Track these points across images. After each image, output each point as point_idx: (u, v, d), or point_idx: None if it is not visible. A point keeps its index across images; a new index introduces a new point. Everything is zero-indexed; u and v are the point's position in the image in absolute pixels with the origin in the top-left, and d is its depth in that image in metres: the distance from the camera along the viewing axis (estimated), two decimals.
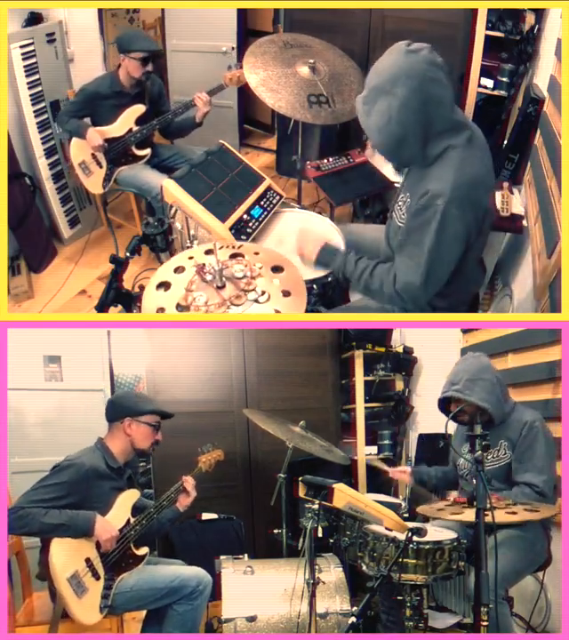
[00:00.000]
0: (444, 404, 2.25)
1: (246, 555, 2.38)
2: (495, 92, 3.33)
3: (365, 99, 1.86)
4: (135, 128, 3.49)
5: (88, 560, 1.98)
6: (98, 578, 2.00)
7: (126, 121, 3.47)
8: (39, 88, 3.55)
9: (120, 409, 2.22)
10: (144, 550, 2.16)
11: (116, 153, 3.47)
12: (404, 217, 2.02)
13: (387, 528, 1.79)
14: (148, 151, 3.58)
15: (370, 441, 3.51)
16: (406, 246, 1.96)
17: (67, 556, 1.94)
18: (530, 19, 3.05)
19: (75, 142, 3.48)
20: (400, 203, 2.09)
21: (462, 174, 1.82)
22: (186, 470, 2.48)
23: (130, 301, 2.27)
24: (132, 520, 2.13)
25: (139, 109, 3.48)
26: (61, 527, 1.93)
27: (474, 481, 1.65)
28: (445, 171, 1.83)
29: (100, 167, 3.50)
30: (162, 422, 2.33)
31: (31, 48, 3.44)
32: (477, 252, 2.08)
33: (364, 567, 2.05)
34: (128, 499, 2.16)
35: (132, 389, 4.32)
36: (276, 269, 1.96)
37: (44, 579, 2.00)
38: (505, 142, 3.16)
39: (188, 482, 2.33)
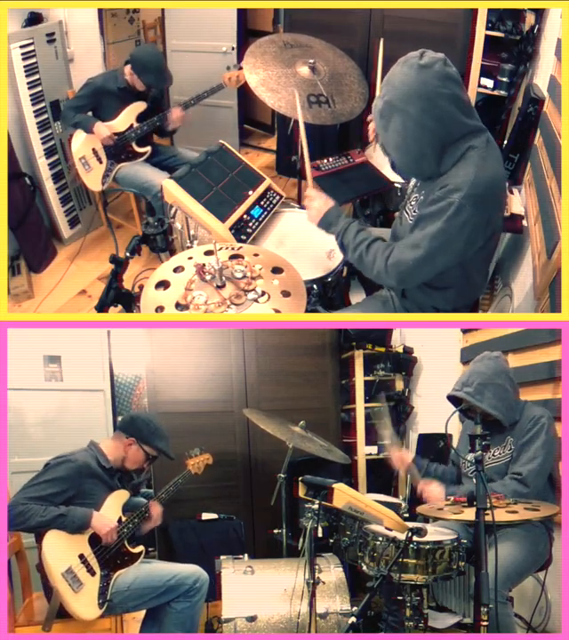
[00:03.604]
0: (455, 398, 2.25)
1: (246, 555, 2.37)
2: (495, 92, 3.33)
3: (381, 112, 1.86)
4: (136, 124, 3.52)
5: (82, 556, 2.00)
6: (93, 574, 2.01)
7: (128, 117, 3.50)
8: (39, 88, 3.55)
9: (134, 429, 2.28)
10: (139, 548, 2.19)
11: (117, 148, 3.49)
12: (417, 213, 2.00)
13: (387, 528, 1.79)
14: (148, 149, 3.60)
15: (370, 441, 3.51)
16: (412, 230, 1.95)
17: (60, 551, 1.96)
18: (530, 19, 3.05)
19: (77, 137, 3.49)
20: (413, 203, 2.08)
21: (482, 173, 1.81)
22: (184, 470, 2.51)
23: (130, 301, 2.27)
24: (123, 518, 2.16)
25: (140, 106, 3.53)
26: (59, 518, 1.95)
27: (473, 480, 1.66)
28: (466, 168, 1.83)
29: (101, 163, 3.51)
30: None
31: (31, 48, 3.44)
32: (489, 254, 2.08)
33: (364, 567, 2.05)
34: (118, 498, 2.19)
35: (130, 395, 4.34)
36: (276, 271, 1.96)
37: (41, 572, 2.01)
38: (505, 142, 3.16)
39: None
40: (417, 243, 1.90)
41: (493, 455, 2.16)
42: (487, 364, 2.19)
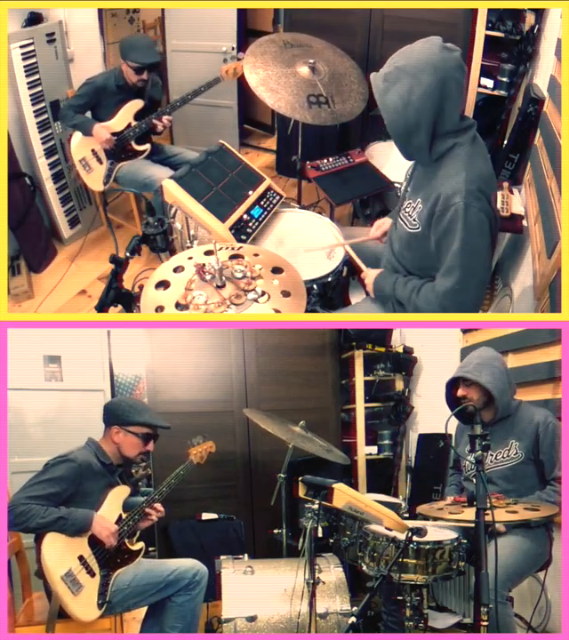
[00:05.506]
0: (452, 393, 2.26)
1: (246, 555, 2.37)
2: (495, 92, 3.33)
3: (387, 76, 1.87)
4: (134, 123, 3.51)
5: (81, 558, 1.99)
6: (93, 575, 2.00)
7: (125, 115, 3.50)
8: (39, 88, 3.55)
9: (110, 416, 2.25)
10: (139, 545, 2.18)
11: (117, 148, 3.49)
12: (416, 222, 2.00)
13: (387, 528, 1.79)
14: (147, 146, 3.60)
15: (370, 441, 3.51)
16: (441, 257, 1.94)
17: (59, 554, 1.95)
18: (530, 19, 3.05)
19: (75, 139, 3.48)
20: (408, 209, 2.07)
21: (472, 168, 1.84)
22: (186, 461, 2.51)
23: (130, 301, 2.27)
24: (123, 515, 2.15)
25: (137, 104, 3.52)
26: (59, 521, 1.94)
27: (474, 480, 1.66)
28: (454, 168, 1.85)
29: (101, 163, 3.51)
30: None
31: (31, 48, 3.44)
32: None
33: (364, 567, 2.05)
34: (119, 495, 2.18)
35: (130, 395, 4.33)
36: (276, 271, 1.96)
37: (41, 576, 2.01)
38: (505, 142, 3.16)
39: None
40: (449, 267, 1.90)
41: (496, 459, 2.16)
42: (485, 350, 2.27)
